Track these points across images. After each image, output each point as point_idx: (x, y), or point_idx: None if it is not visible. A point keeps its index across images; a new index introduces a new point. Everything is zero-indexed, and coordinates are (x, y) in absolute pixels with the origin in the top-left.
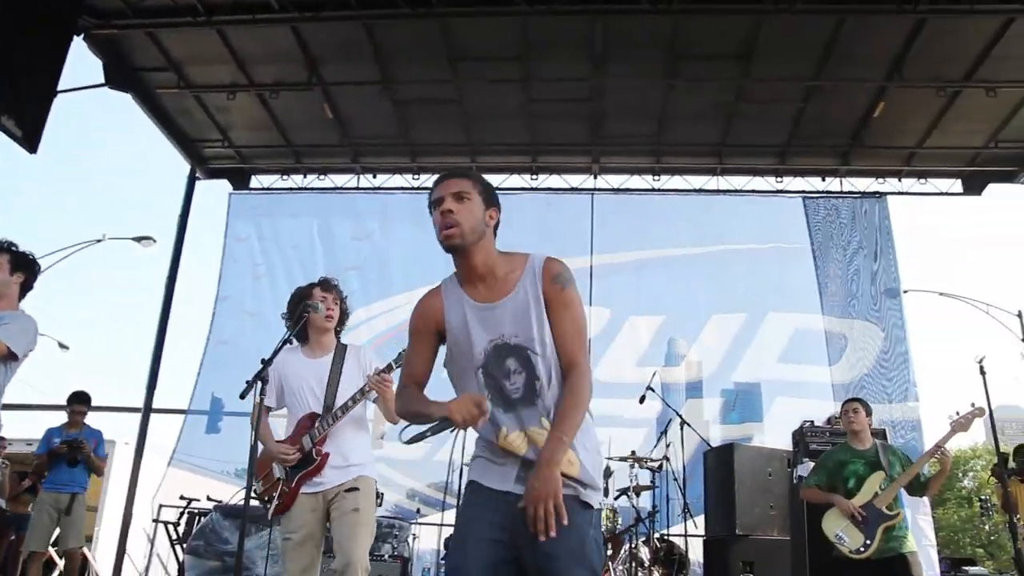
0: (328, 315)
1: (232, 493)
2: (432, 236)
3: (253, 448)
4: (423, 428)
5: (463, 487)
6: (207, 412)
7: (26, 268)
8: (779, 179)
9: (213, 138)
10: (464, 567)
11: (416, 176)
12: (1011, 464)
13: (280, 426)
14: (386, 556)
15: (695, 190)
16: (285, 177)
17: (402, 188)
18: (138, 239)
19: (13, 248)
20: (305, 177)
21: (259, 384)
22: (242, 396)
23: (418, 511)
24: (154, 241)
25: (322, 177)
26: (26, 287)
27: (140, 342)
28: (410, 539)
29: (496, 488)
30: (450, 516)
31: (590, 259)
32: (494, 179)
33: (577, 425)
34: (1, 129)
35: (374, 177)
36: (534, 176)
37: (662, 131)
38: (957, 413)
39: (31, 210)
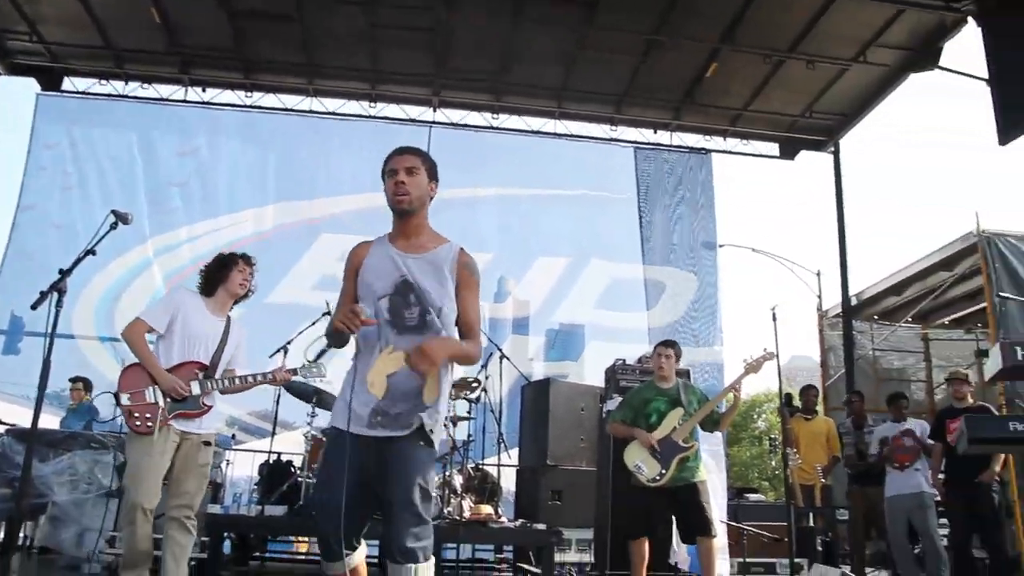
0: (243, 284)
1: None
2: (265, 155)
3: (47, 362)
4: (323, 347)
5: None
6: (4, 332)
7: None
8: (613, 128)
9: (19, 30)
10: (328, 503)
11: (249, 93)
12: (796, 403)
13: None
14: None
15: (533, 132)
16: (103, 82)
17: (234, 105)
18: None
19: None
20: (127, 84)
21: (55, 295)
22: (34, 307)
23: (233, 437)
24: None
25: (145, 86)
26: None
27: None
28: (223, 465)
29: (353, 432)
30: (267, 444)
31: None
32: (330, 103)
33: (466, 355)
34: None
35: (203, 91)
36: (372, 104)
37: (504, 70)
38: (751, 356)
39: None
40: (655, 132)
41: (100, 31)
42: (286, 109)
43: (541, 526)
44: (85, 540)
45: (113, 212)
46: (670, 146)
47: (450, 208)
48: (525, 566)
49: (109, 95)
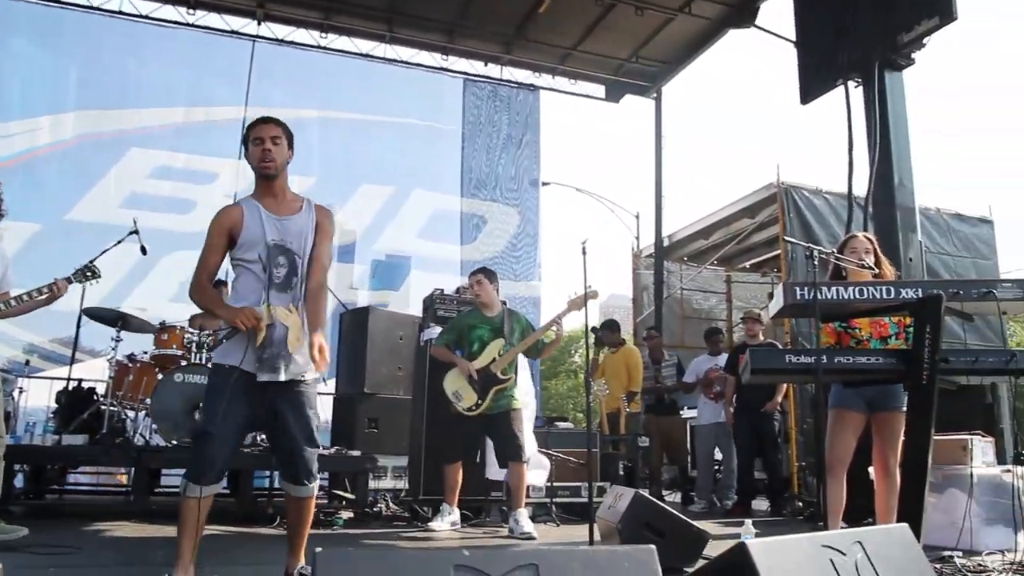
0: None
1: None
2: (66, 57)
3: None
4: (223, 334)
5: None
6: None
7: None
8: (445, 58)
9: None
10: (222, 435)
11: None
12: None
13: None
14: None
15: (362, 55)
16: None
17: None
18: None
19: None
20: None
21: None
22: None
23: (27, 363)
24: None
25: None
26: None
27: None
28: (15, 393)
29: (237, 366)
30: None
31: (244, 110)
32: (143, 6)
33: (319, 314)
34: None
35: None
36: (191, 11)
37: None
38: (575, 293)
39: None
40: (486, 65)
41: None
42: (91, 7)
43: (356, 453)
44: None
45: None
46: (500, 80)
47: None
48: (340, 492)
49: None
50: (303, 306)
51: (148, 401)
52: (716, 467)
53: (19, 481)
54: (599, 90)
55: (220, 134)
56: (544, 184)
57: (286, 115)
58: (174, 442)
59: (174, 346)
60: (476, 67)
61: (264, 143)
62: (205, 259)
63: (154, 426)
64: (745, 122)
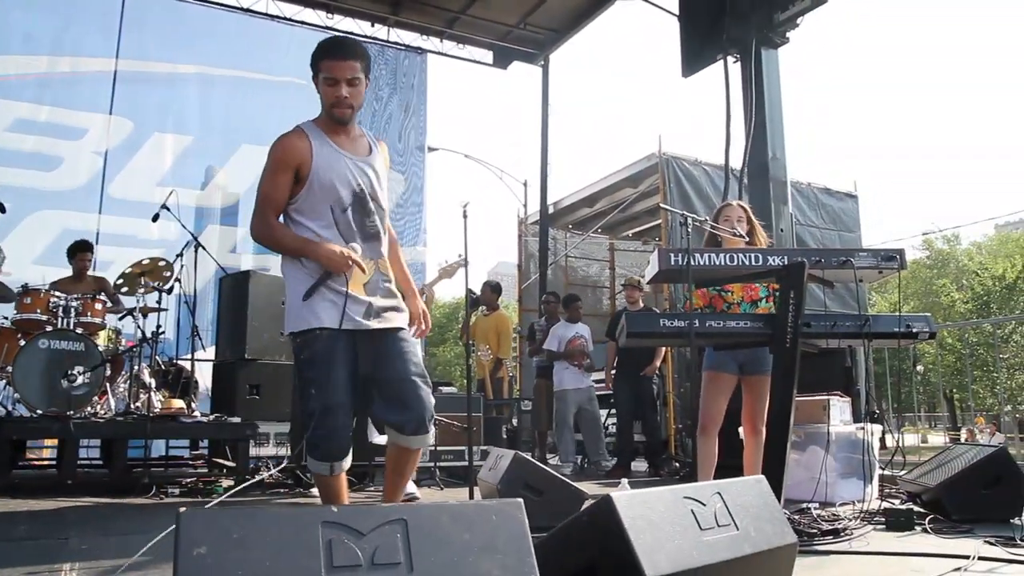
0: None
1: None
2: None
3: None
4: (312, 286)
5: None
6: None
7: None
8: (329, 16)
9: None
10: (338, 404)
11: None
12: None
13: None
14: None
15: (242, 9)
16: None
17: None
18: None
19: None
20: None
21: None
22: None
23: None
24: None
25: None
26: None
27: None
28: None
29: (346, 328)
30: None
31: (115, 62)
32: None
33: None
34: None
35: None
36: None
37: None
38: (446, 261)
39: None
40: (372, 26)
41: None
42: None
43: (236, 420)
44: None
45: None
46: (386, 42)
47: (148, 82)
48: (220, 460)
49: None
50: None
51: (9, 369)
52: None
53: None
54: (487, 56)
55: (89, 86)
56: (431, 150)
57: (161, 70)
58: (39, 412)
59: (38, 310)
60: (363, 27)
61: (339, 87)
62: (269, 197)
63: (16, 395)
64: (630, 93)
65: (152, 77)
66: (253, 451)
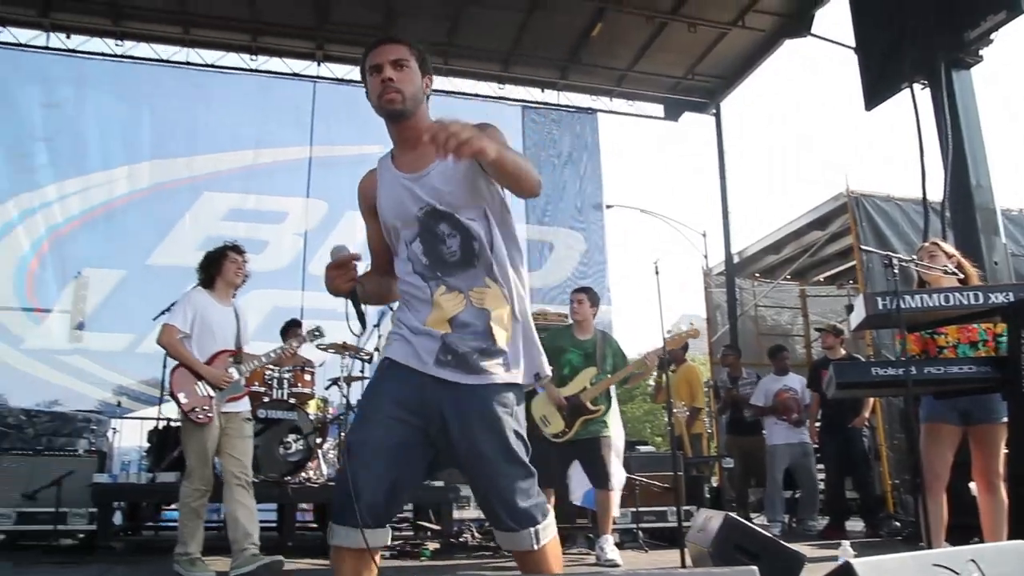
0: (237, 273)
1: None
2: (138, 109)
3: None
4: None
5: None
6: None
7: None
8: (501, 86)
9: None
10: (366, 442)
11: (119, 42)
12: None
13: None
14: (81, 451)
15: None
16: None
17: (102, 54)
18: None
19: None
20: None
21: None
22: None
23: (119, 405)
24: None
25: (1, 29)
26: None
27: None
28: (109, 434)
29: (413, 367)
30: (154, 411)
31: (309, 150)
32: (209, 55)
33: (516, 163)
34: None
35: (68, 37)
36: (253, 57)
37: (389, 23)
38: (677, 329)
39: None
40: (543, 91)
41: None
42: (160, 60)
43: (439, 483)
44: None
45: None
46: (557, 105)
47: (338, 165)
48: (424, 523)
49: None
50: (501, 280)
51: None
52: (791, 491)
53: (117, 518)
54: (657, 109)
55: (288, 174)
56: (608, 207)
57: (349, 152)
58: (260, 478)
59: (256, 383)
60: (533, 94)
61: (382, 70)
62: (370, 248)
63: None
64: (809, 132)
65: (341, 160)
66: (456, 513)
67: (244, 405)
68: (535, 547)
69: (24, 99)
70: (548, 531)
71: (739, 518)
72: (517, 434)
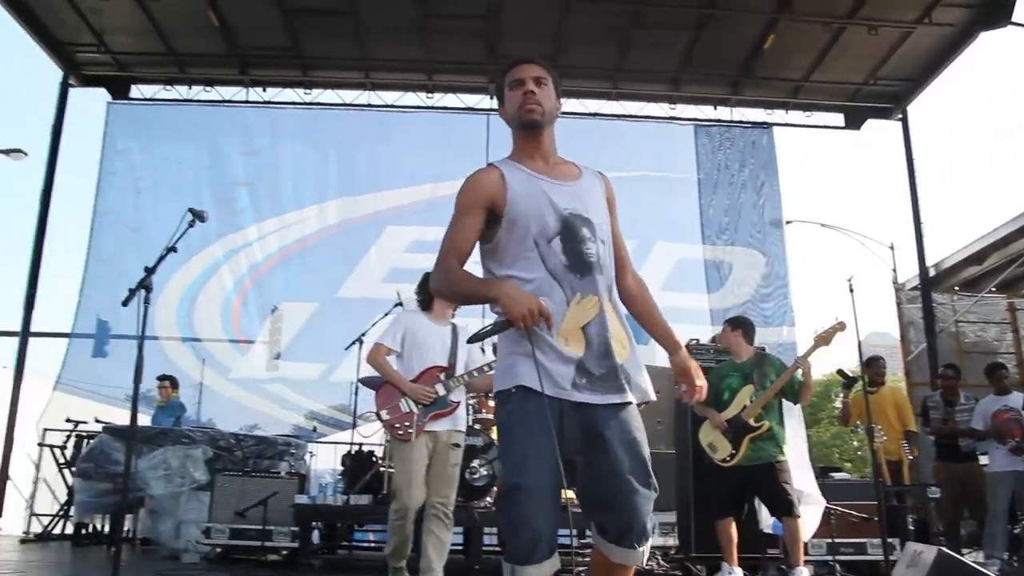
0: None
1: (126, 416)
2: (326, 151)
3: (140, 361)
4: (486, 329)
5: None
6: (92, 336)
7: None
8: (672, 106)
9: (87, 42)
10: (532, 487)
11: (308, 91)
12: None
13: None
14: (283, 473)
15: (590, 114)
16: (169, 87)
17: (293, 103)
18: (7, 152)
19: None
20: (190, 88)
21: (143, 292)
22: (124, 303)
23: (315, 430)
24: (25, 154)
25: (208, 89)
26: None
27: (15, 261)
28: (307, 457)
29: (551, 395)
30: (346, 435)
31: None
32: (388, 96)
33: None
34: None
35: (264, 90)
36: (430, 95)
37: (558, 53)
38: (821, 327)
39: None
40: (715, 108)
41: (163, 38)
42: (344, 104)
43: None
44: (182, 531)
45: (191, 210)
46: (731, 122)
47: None
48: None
49: (174, 100)
50: (617, 303)
51: None
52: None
53: (315, 537)
54: (837, 119)
55: None
56: (787, 223)
57: None
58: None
59: None
60: (705, 112)
61: (525, 84)
62: (452, 244)
63: None
64: (1011, 128)
65: None
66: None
67: (452, 424)
68: (642, 565)
69: (227, 149)
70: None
71: (954, 554)
72: (647, 454)
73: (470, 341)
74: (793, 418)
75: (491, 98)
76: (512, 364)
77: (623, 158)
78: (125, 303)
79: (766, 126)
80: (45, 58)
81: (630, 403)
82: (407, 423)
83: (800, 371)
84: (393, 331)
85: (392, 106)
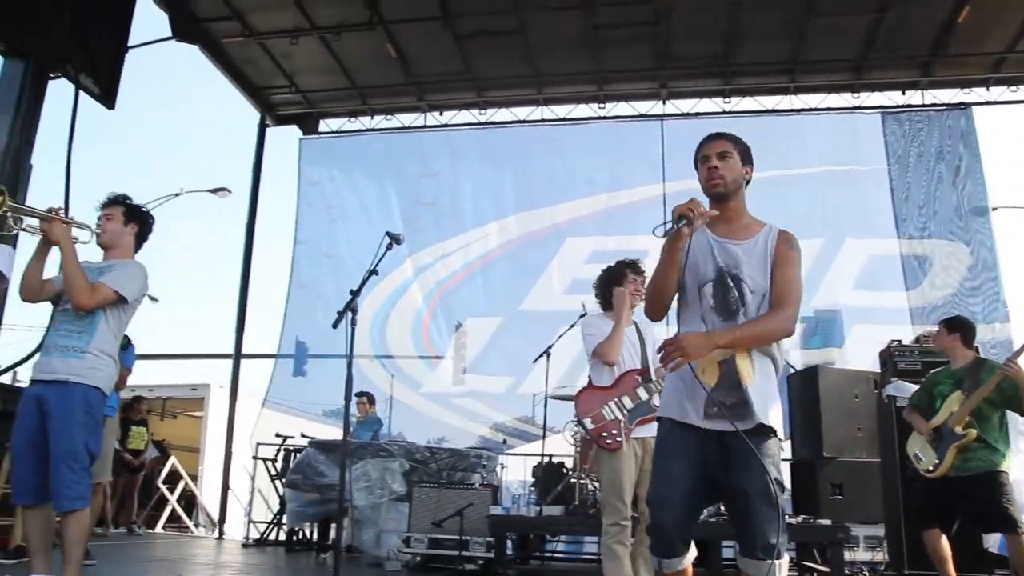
0: (634, 294)
1: (325, 430)
2: (500, 171)
3: (350, 377)
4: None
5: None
6: (293, 356)
7: (139, 219)
8: (855, 95)
9: (280, 84)
10: (663, 499)
11: (483, 111)
12: None
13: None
14: (477, 485)
15: (767, 111)
16: (353, 119)
17: (469, 124)
18: (214, 191)
19: (127, 200)
20: (372, 118)
21: (349, 314)
22: (334, 325)
23: (504, 442)
24: (229, 192)
25: (389, 117)
26: (141, 238)
27: (226, 290)
28: (498, 469)
29: (686, 423)
30: (531, 447)
31: (662, 187)
32: (560, 110)
33: (753, 335)
34: (81, 88)
35: (441, 114)
36: (602, 105)
37: (731, 51)
38: None
39: (113, 167)
40: (903, 94)
41: (346, 74)
42: (519, 121)
43: (826, 522)
44: (383, 540)
45: (388, 234)
46: (923, 106)
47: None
48: (811, 564)
49: (359, 131)
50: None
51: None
52: None
53: (508, 548)
54: None
55: (643, 213)
56: (993, 210)
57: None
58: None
59: None
60: (892, 98)
61: (710, 160)
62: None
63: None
64: None
65: (696, 193)
66: (847, 555)
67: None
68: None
69: (410, 172)
70: (785, 566)
71: None
72: (774, 476)
73: (663, 235)
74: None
75: (663, 103)
76: (665, 397)
77: (804, 155)
78: (335, 325)
79: (964, 107)
80: (243, 103)
81: (759, 428)
82: (614, 431)
83: (1007, 375)
84: (593, 337)
85: (565, 119)
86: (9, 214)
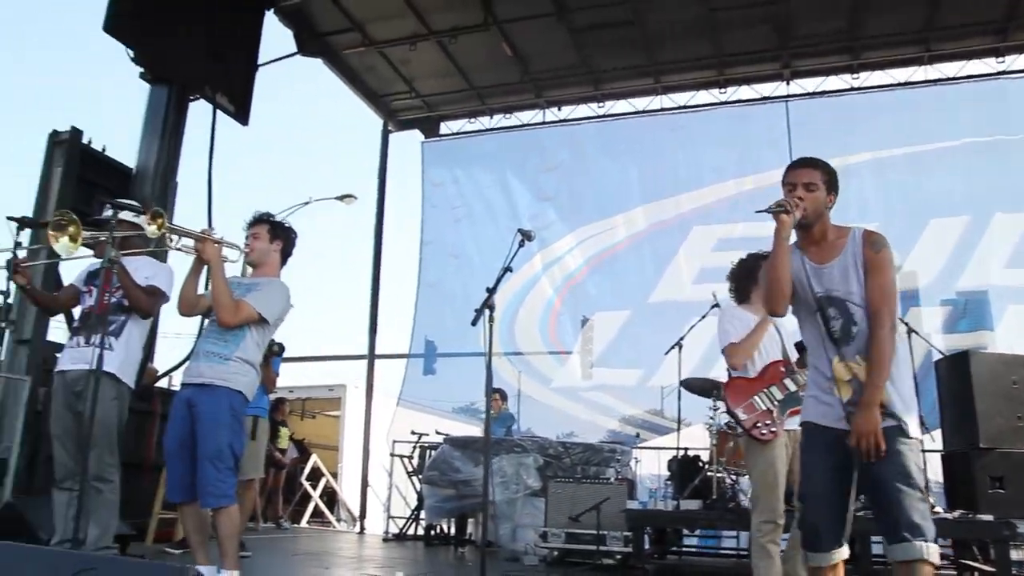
0: None
1: (456, 426)
2: (622, 162)
3: (489, 374)
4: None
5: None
6: (422, 355)
7: (284, 236)
8: (1000, 59)
9: (400, 90)
10: (810, 495)
11: (601, 104)
12: None
13: None
14: (612, 479)
15: (900, 84)
16: (472, 120)
17: (588, 118)
18: (341, 198)
19: (271, 218)
20: (491, 118)
21: (487, 311)
22: (473, 323)
23: (637, 435)
24: (355, 198)
25: (508, 116)
26: (285, 254)
27: (357, 293)
28: (632, 463)
29: (826, 425)
30: (663, 440)
31: None
32: (679, 98)
33: (886, 370)
34: (217, 106)
35: (559, 110)
36: (722, 89)
37: (856, 25)
38: None
39: (245, 181)
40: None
41: (464, 75)
42: (638, 112)
43: (987, 517)
44: (519, 535)
45: (519, 230)
46: (1005, 73)
47: None
48: (973, 563)
49: (479, 131)
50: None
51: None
52: None
53: (645, 541)
54: None
55: (772, 198)
56: None
57: (834, 165)
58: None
59: None
60: (971, 68)
61: (796, 189)
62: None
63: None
64: None
65: None
66: (1013, 554)
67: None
68: (924, 556)
69: (531, 168)
70: (935, 552)
71: None
72: (915, 464)
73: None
74: None
75: (787, 84)
76: (804, 403)
77: (941, 128)
78: (474, 322)
79: None
80: (366, 111)
81: (891, 427)
82: (768, 421)
83: None
84: (733, 330)
85: (685, 107)
86: (167, 234)
